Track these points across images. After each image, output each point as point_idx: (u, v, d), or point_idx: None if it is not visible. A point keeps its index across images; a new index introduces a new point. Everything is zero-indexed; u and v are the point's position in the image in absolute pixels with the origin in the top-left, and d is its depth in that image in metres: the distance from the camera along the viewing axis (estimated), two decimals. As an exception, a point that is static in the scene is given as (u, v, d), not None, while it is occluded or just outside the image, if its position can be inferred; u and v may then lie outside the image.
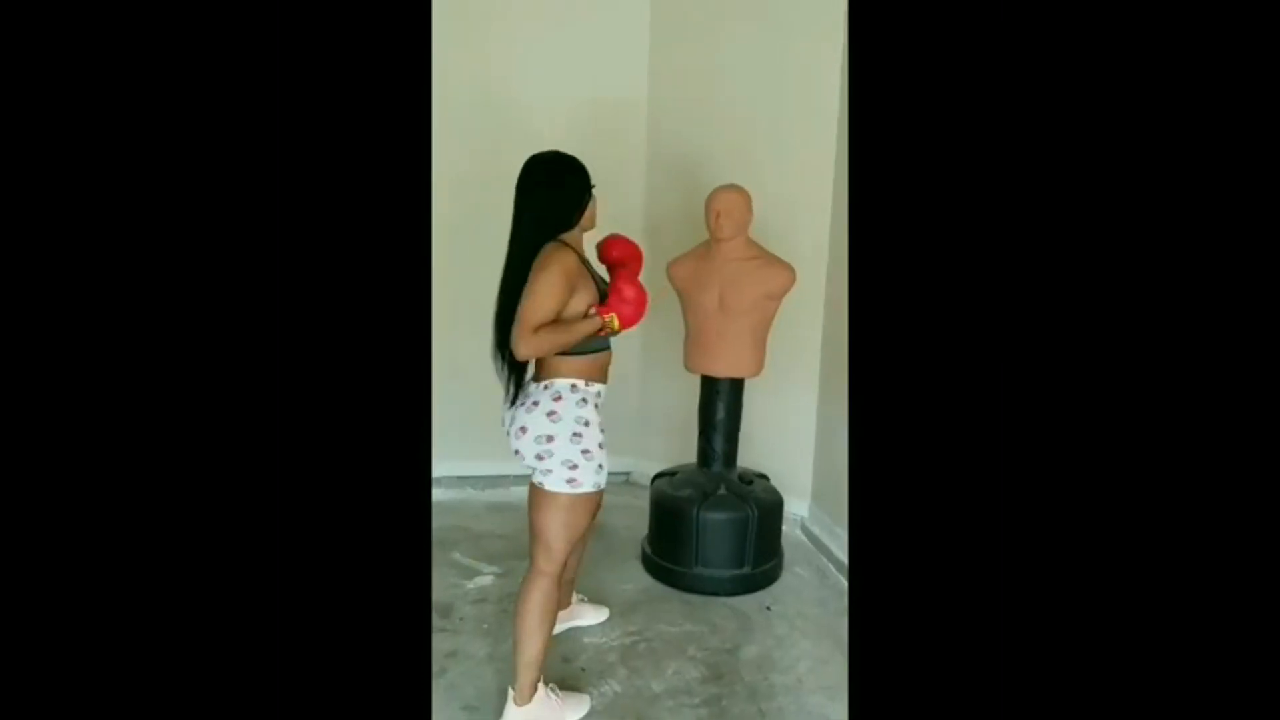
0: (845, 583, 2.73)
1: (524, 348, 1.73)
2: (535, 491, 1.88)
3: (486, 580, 2.68)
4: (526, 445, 1.83)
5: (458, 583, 2.65)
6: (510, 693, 1.90)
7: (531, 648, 1.86)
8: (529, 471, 1.92)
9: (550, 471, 1.82)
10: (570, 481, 1.82)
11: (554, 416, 1.82)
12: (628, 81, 3.35)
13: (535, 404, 1.84)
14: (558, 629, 2.34)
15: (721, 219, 2.47)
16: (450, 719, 1.96)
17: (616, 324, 1.82)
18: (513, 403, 1.89)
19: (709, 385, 2.67)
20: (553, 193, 1.83)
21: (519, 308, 1.74)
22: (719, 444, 2.69)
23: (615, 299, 1.83)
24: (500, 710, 2.00)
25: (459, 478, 3.49)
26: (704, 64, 3.19)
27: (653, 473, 2.92)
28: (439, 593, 2.57)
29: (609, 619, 2.46)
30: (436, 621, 2.40)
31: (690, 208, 2.94)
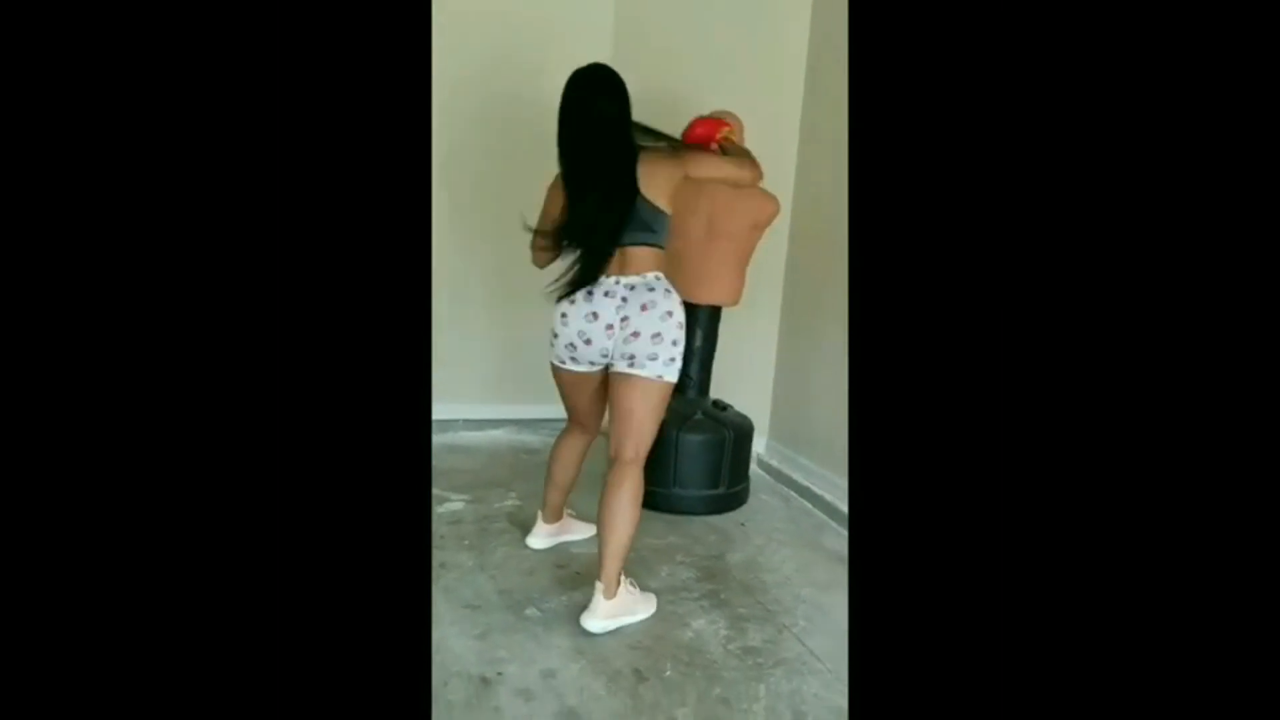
0: (809, 505, 2.85)
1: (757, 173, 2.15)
2: (639, 384, 1.94)
3: (457, 505, 2.64)
4: (649, 323, 1.90)
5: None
6: (598, 585, 1.91)
7: (622, 535, 1.90)
8: (594, 367, 2.03)
9: (656, 358, 1.92)
10: (671, 362, 1.95)
11: (670, 301, 1.94)
12: (592, 36, 3.39)
13: (651, 290, 1.93)
14: (547, 544, 2.35)
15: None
16: (456, 616, 1.93)
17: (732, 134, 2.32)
18: (590, 291, 1.93)
19: (688, 313, 2.73)
20: (624, 102, 1.96)
21: (728, 170, 2.11)
22: (695, 371, 2.76)
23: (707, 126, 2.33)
24: (504, 607, 1.99)
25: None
26: (671, 19, 3.27)
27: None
28: (414, 514, 2.51)
29: (594, 535, 2.48)
30: (418, 537, 2.35)
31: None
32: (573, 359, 2.03)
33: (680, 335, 1.95)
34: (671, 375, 1.95)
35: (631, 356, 1.92)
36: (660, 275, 1.97)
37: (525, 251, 2.14)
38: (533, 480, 2.72)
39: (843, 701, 1.70)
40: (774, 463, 3.15)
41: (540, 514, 2.35)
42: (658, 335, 1.91)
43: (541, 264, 2.07)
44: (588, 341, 1.98)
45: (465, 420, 3.46)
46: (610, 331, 1.95)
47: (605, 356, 1.99)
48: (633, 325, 1.92)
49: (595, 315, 1.95)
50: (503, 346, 3.39)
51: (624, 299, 1.92)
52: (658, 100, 3.31)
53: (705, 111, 2.70)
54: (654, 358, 1.92)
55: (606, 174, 1.90)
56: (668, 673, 1.76)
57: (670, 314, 1.94)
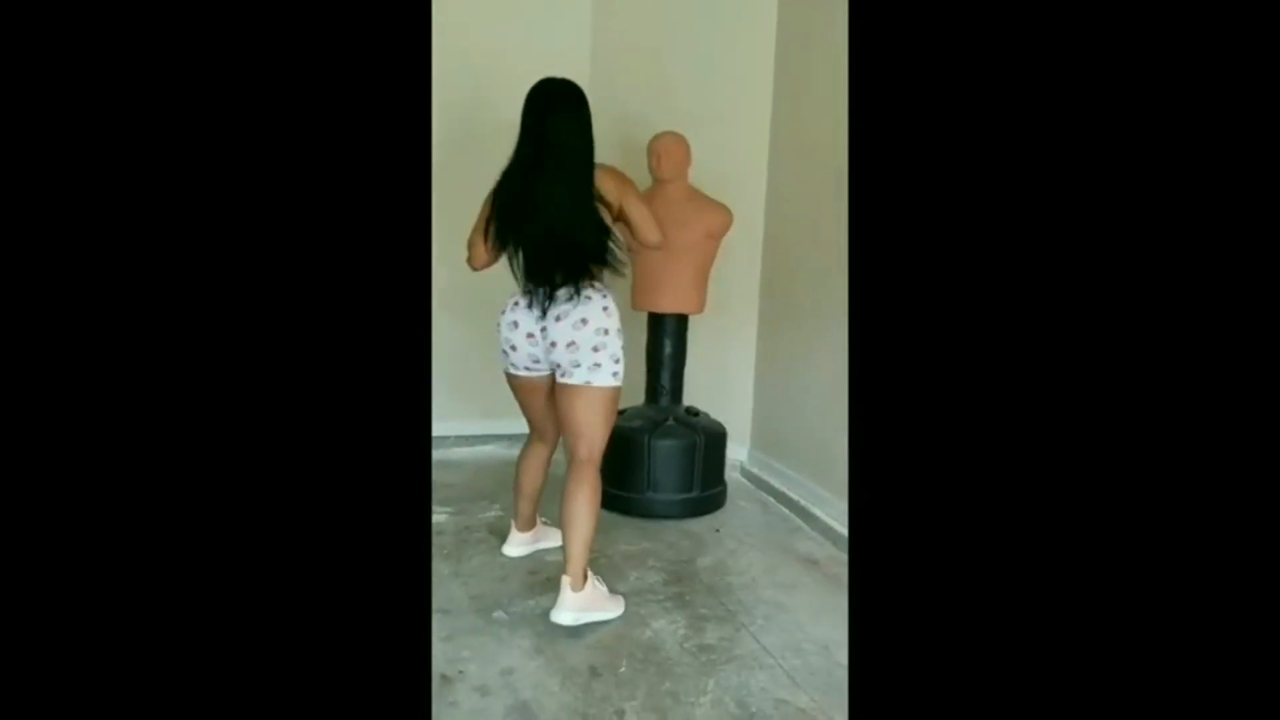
0: (787, 511, 2.90)
1: (657, 235, 2.11)
2: (580, 391, 2.04)
3: (441, 518, 2.73)
4: (586, 336, 1.99)
5: (413, 519, 2.69)
6: (565, 580, 1.99)
7: (584, 530, 2.00)
8: (530, 372, 2.12)
9: (600, 366, 2.01)
10: (615, 374, 2.04)
11: (608, 313, 2.02)
12: (572, 55, 3.50)
13: (589, 299, 2.00)
14: (523, 551, 2.43)
15: (663, 160, 2.67)
16: (423, 619, 2.01)
17: None
18: (544, 311, 2.01)
19: (656, 323, 2.82)
20: (585, 116, 2.00)
21: (641, 215, 2.07)
22: (666, 379, 2.84)
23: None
24: (473, 611, 2.07)
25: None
26: (645, 33, 3.38)
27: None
28: (396, 526, 2.60)
29: (567, 539, 2.55)
30: (397, 547, 2.43)
31: (629, 168, 3.09)
32: (511, 364, 2.15)
33: (604, 340, 2.01)
34: (602, 380, 2.03)
35: (558, 365, 2.04)
36: (588, 284, 2.02)
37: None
38: (515, 491, 2.80)
39: (787, 694, 1.75)
40: (755, 470, 3.20)
41: (514, 523, 2.43)
42: (572, 344, 2.00)
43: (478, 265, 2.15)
44: (513, 347, 2.10)
45: (457, 436, 3.55)
46: (531, 339, 2.06)
47: (537, 362, 2.10)
48: (550, 335, 2.02)
49: (516, 324, 2.07)
50: (493, 361, 3.45)
51: (544, 310, 2.02)
52: (635, 108, 3.43)
53: (676, 127, 2.79)
54: (577, 364, 2.01)
55: (559, 199, 1.97)
56: (622, 669, 1.82)
57: (585, 321, 1.99)
